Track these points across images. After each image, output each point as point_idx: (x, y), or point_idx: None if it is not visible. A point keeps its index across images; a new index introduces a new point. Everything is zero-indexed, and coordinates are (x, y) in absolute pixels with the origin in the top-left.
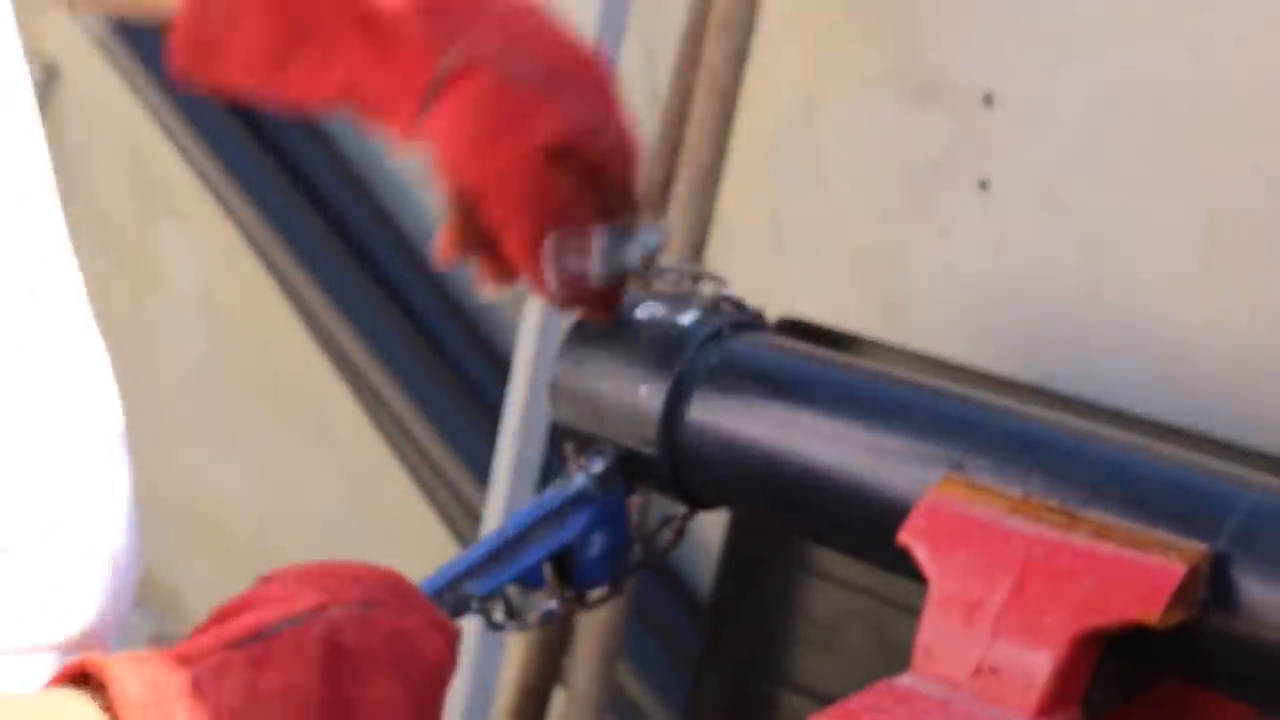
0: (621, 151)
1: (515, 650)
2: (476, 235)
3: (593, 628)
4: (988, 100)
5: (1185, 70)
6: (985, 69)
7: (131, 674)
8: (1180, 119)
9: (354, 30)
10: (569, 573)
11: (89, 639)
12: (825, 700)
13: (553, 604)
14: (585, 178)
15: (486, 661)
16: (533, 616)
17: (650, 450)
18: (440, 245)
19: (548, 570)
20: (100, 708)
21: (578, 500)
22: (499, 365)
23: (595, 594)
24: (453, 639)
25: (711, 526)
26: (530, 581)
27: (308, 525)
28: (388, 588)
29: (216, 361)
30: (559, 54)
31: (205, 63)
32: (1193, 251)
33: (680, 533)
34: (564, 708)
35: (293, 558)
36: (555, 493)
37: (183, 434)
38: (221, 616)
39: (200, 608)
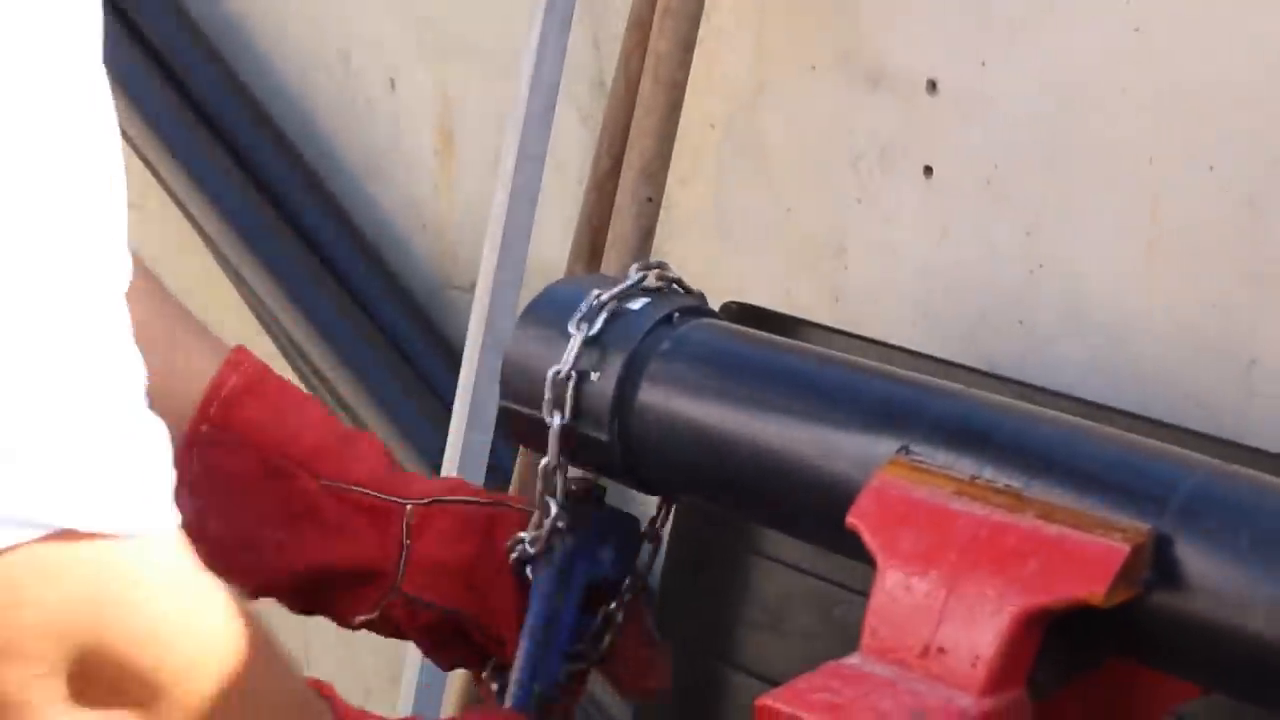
0: None
1: None
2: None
3: None
4: (932, 88)
5: (1127, 58)
6: (929, 57)
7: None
8: (1122, 105)
9: (319, 519)
10: (605, 591)
11: None
12: (774, 681)
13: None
14: None
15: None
16: (611, 642)
17: (601, 435)
18: None
19: (594, 614)
20: None
21: (567, 557)
22: (450, 356)
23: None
24: None
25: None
26: (581, 628)
27: None
28: None
29: None
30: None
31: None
32: (1134, 238)
33: (658, 540)
34: None
35: None
36: (549, 573)
37: None
38: None
39: None
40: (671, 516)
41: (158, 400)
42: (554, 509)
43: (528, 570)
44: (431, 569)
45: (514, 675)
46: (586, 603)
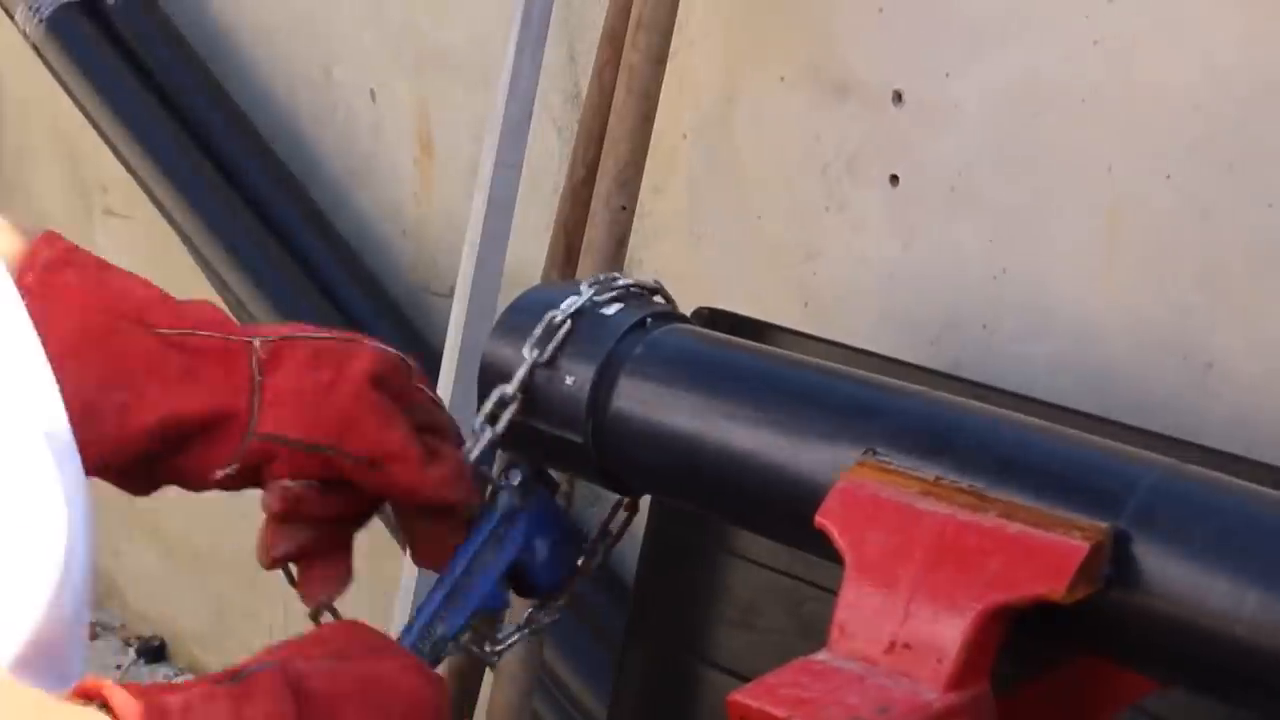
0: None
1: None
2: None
3: (519, 610)
4: (897, 98)
5: (1086, 68)
6: (895, 68)
7: (132, 697)
8: (1082, 115)
9: (162, 371)
10: (528, 584)
11: (43, 650)
12: (746, 677)
13: (523, 622)
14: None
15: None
16: (514, 636)
17: (577, 437)
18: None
19: (507, 591)
20: None
21: (508, 518)
22: (429, 359)
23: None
24: (433, 678)
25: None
26: (494, 606)
27: (246, 515)
28: (355, 641)
29: None
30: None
31: None
32: (1095, 243)
33: (619, 533)
34: (493, 688)
35: (227, 547)
36: (485, 521)
37: None
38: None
39: (137, 597)
40: (648, 515)
41: None
42: (509, 472)
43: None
44: (289, 401)
45: (422, 606)
46: (507, 580)
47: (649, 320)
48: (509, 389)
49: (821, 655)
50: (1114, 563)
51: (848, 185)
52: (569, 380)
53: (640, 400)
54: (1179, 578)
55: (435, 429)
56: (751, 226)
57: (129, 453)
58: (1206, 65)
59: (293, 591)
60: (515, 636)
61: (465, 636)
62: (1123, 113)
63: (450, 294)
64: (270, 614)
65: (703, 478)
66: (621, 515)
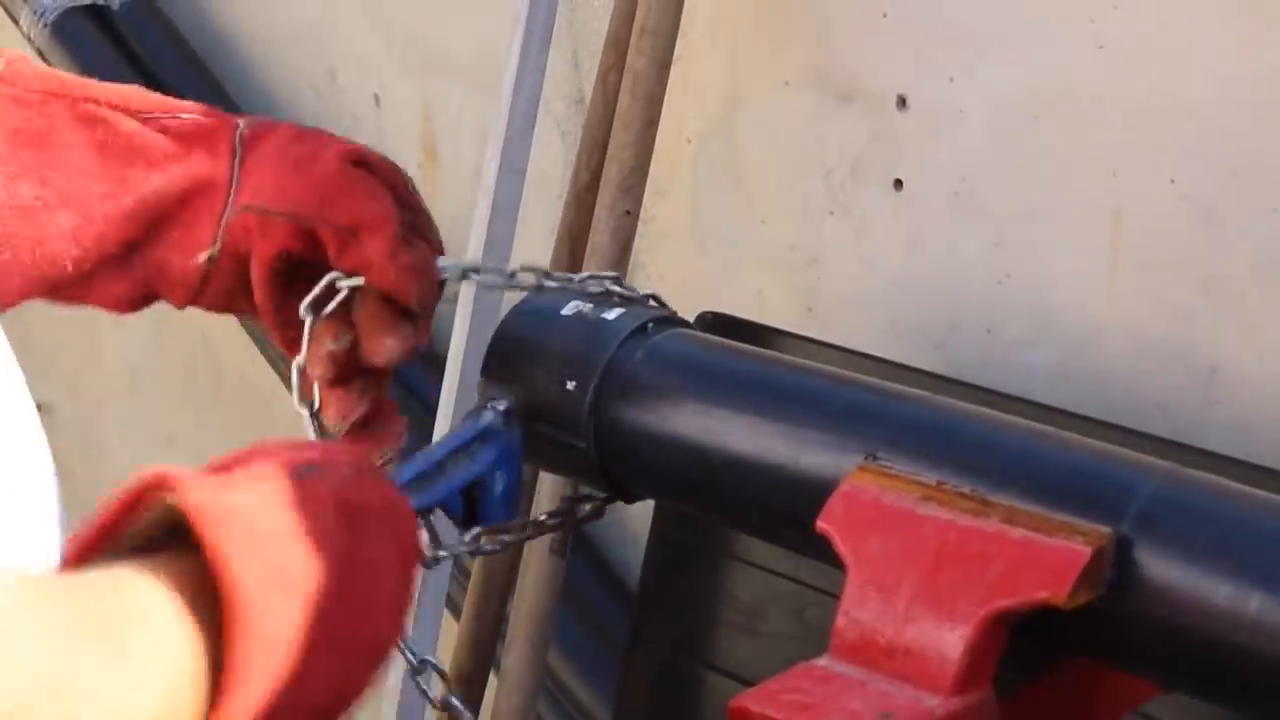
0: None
1: (449, 638)
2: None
3: (524, 615)
4: (901, 103)
5: (1090, 74)
6: (899, 73)
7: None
8: (1085, 121)
9: (129, 154)
10: (476, 513)
11: None
12: (750, 682)
13: (468, 539)
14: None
15: (421, 649)
16: (460, 547)
17: (578, 442)
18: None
19: (461, 503)
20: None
21: (486, 435)
22: (434, 364)
23: (506, 536)
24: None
25: (638, 516)
26: (450, 510)
27: None
28: (367, 463)
29: (156, 360)
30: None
31: None
32: (1098, 248)
33: (600, 510)
34: (498, 693)
35: None
36: (467, 427)
37: (123, 432)
38: (222, 465)
39: None
40: (652, 520)
41: None
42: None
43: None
44: (270, 170)
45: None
46: (462, 495)
47: (650, 325)
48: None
49: (823, 661)
50: (1116, 567)
51: (851, 190)
52: (570, 385)
53: (641, 405)
54: (1181, 582)
55: (416, 225)
56: (755, 231)
57: (111, 242)
58: (1211, 70)
59: None
60: (447, 555)
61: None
62: (1127, 118)
63: (454, 299)
64: None
65: (704, 483)
66: (587, 508)
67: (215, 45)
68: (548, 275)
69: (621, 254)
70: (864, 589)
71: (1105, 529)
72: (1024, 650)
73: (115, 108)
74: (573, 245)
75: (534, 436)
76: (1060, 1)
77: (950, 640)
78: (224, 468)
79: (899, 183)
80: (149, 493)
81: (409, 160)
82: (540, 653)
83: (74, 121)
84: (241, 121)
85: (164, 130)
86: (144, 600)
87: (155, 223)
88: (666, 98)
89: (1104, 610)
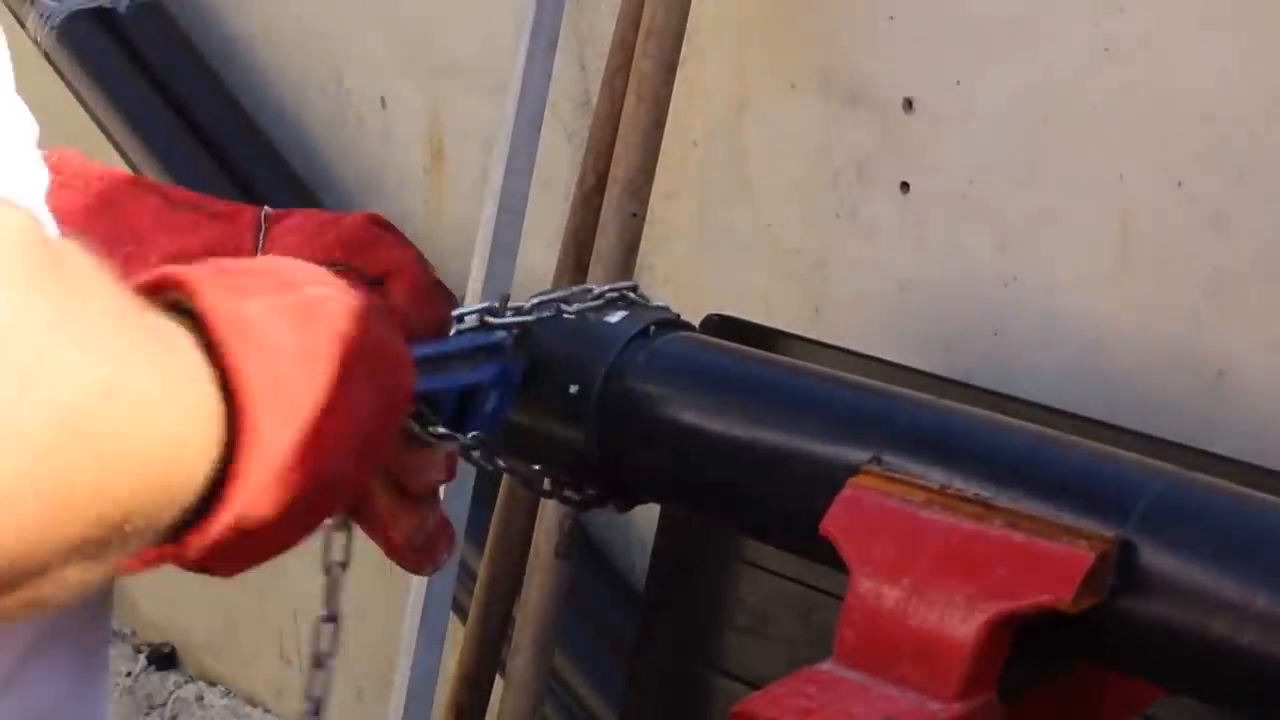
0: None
1: (456, 641)
2: None
3: (530, 619)
4: (908, 106)
5: (1097, 76)
6: (906, 76)
7: (218, 302)
8: (1092, 123)
9: (167, 223)
10: (464, 419)
11: None
12: (756, 685)
13: (468, 437)
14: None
15: (428, 652)
16: (457, 438)
17: (582, 445)
18: None
19: (454, 404)
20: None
21: (493, 350)
22: None
23: (476, 452)
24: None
25: (645, 519)
26: (441, 406)
27: None
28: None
29: None
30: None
31: None
32: (1105, 250)
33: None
34: (504, 696)
35: None
36: (480, 335)
37: None
38: (231, 270)
39: (148, 605)
40: (659, 523)
41: None
42: (532, 315)
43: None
44: (294, 233)
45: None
46: (458, 397)
47: (653, 328)
48: (525, 303)
49: (827, 665)
50: (1120, 572)
51: (858, 192)
52: (573, 388)
53: (645, 408)
54: (1185, 586)
55: (435, 278)
56: (762, 233)
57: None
58: (1217, 73)
59: (301, 598)
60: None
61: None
62: (1134, 120)
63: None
64: (279, 623)
65: (708, 486)
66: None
67: (222, 47)
68: (565, 302)
69: (628, 256)
70: (868, 593)
71: (1109, 533)
72: (1028, 654)
73: (149, 189)
74: (579, 247)
75: (537, 439)
76: (1066, 4)
77: (954, 644)
78: (234, 272)
79: (905, 185)
80: (161, 289)
81: (415, 163)
82: (546, 656)
83: (134, 189)
84: (266, 208)
85: (194, 206)
86: (180, 339)
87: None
88: (673, 100)
89: (1108, 614)
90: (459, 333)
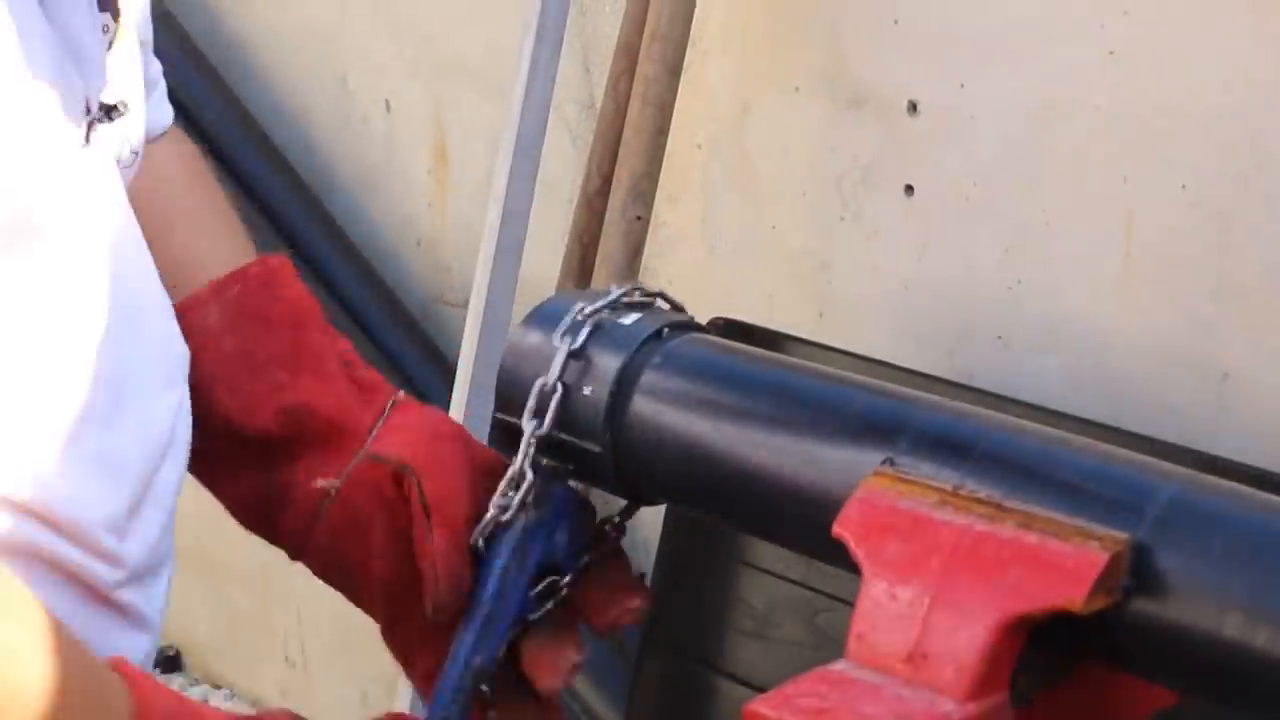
0: None
1: None
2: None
3: None
4: (912, 109)
5: (1102, 79)
6: (910, 79)
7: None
8: (1097, 127)
9: (318, 369)
10: (555, 573)
11: (46, 508)
12: (760, 687)
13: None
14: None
15: None
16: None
17: (594, 446)
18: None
19: (533, 595)
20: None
21: (527, 533)
22: (443, 370)
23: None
24: None
25: (649, 522)
26: (524, 613)
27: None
28: None
29: None
30: None
31: None
32: (1109, 254)
33: (622, 528)
34: None
35: (245, 557)
36: (506, 544)
37: None
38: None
39: None
40: (663, 525)
41: (182, 271)
42: (530, 477)
43: (481, 544)
44: (402, 428)
45: (455, 648)
46: (535, 582)
47: (666, 330)
48: (548, 378)
49: (839, 665)
50: (1133, 574)
51: (862, 195)
52: (587, 390)
53: (658, 410)
54: (1197, 588)
55: None
56: (766, 236)
57: (255, 428)
58: (1222, 76)
59: (305, 602)
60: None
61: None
62: (1138, 124)
63: (465, 304)
64: (284, 625)
65: (720, 488)
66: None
67: (227, 50)
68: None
69: (632, 259)
70: (880, 594)
71: (1122, 535)
72: (1040, 656)
73: (326, 331)
74: (584, 250)
75: (550, 440)
76: (1071, 7)
77: (966, 645)
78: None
79: (910, 188)
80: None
81: (419, 165)
82: None
83: (290, 321)
84: (401, 392)
85: (347, 366)
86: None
87: (296, 435)
88: (677, 103)
89: (1121, 616)
90: (487, 562)
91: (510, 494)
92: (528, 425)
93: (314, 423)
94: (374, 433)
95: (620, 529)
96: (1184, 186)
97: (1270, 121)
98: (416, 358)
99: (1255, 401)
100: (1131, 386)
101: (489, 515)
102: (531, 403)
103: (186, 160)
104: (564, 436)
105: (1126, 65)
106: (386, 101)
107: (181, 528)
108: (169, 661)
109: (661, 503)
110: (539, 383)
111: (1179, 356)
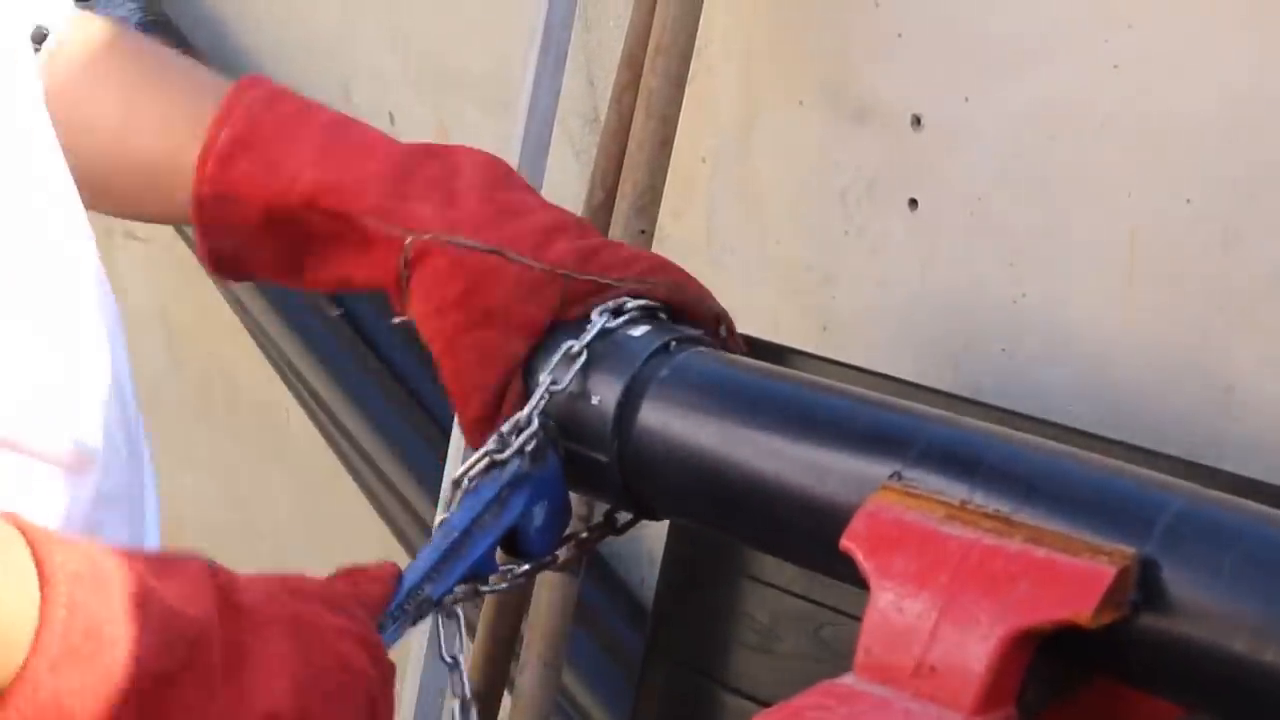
0: None
1: (463, 658)
2: None
3: (538, 635)
4: (916, 122)
5: (1106, 92)
6: (914, 92)
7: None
8: (1101, 139)
9: (339, 242)
10: (517, 548)
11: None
12: (765, 702)
13: (504, 585)
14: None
15: (434, 669)
16: (492, 594)
17: (602, 457)
18: None
19: (499, 555)
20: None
21: (515, 483)
22: None
23: (546, 560)
24: (378, 657)
25: (653, 535)
26: (483, 570)
27: (262, 537)
28: (315, 589)
29: (173, 377)
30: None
31: (231, 269)
32: (1114, 266)
33: (612, 523)
34: (512, 713)
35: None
36: (492, 482)
37: None
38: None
39: None
40: (666, 539)
41: (163, 175)
42: (535, 425)
43: (467, 482)
44: (419, 303)
45: (408, 573)
46: (499, 544)
47: (673, 344)
48: (522, 415)
49: (847, 678)
50: (1141, 588)
51: (866, 209)
52: (594, 400)
53: (666, 422)
54: (1207, 603)
55: None
56: (770, 250)
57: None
58: (1226, 89)
59: None
60: (491, 589)
61: (449, 598)
62: (1142, 137)
63: None
64: None
65: (728, 501)
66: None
67: (230, 62)
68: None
69: None
70: (888, 607)
71: (1130, 549)
72: (1048, 670)
73: (304, 205)
74: None
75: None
76: (1075, 21)
77: (974, 659)
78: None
79: (914, 202)
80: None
81: None
82: (554, 672)
83: (267, 220)
84: (409, 239)
85: (350, 227)
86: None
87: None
88: (681, 117)
89: (1128, 631)
90: (469, 494)
91: (512, 437)
92: (545, 379)
93: (360, 287)
94: (406, 294)
95: (589, 542)
96: (1189, 200)
97: (1275, 135)
98: (419, 368)
99: (1260, 414)
100: (1136, 399)
101: (481, 451)
102: (556, 358)
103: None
104: (571, 445)
105: (1130, 78)
106: (390, 114)
107: (190, 531)
108: None
109: (667, 516)
110: (567, 344)
111: (1184, 369)
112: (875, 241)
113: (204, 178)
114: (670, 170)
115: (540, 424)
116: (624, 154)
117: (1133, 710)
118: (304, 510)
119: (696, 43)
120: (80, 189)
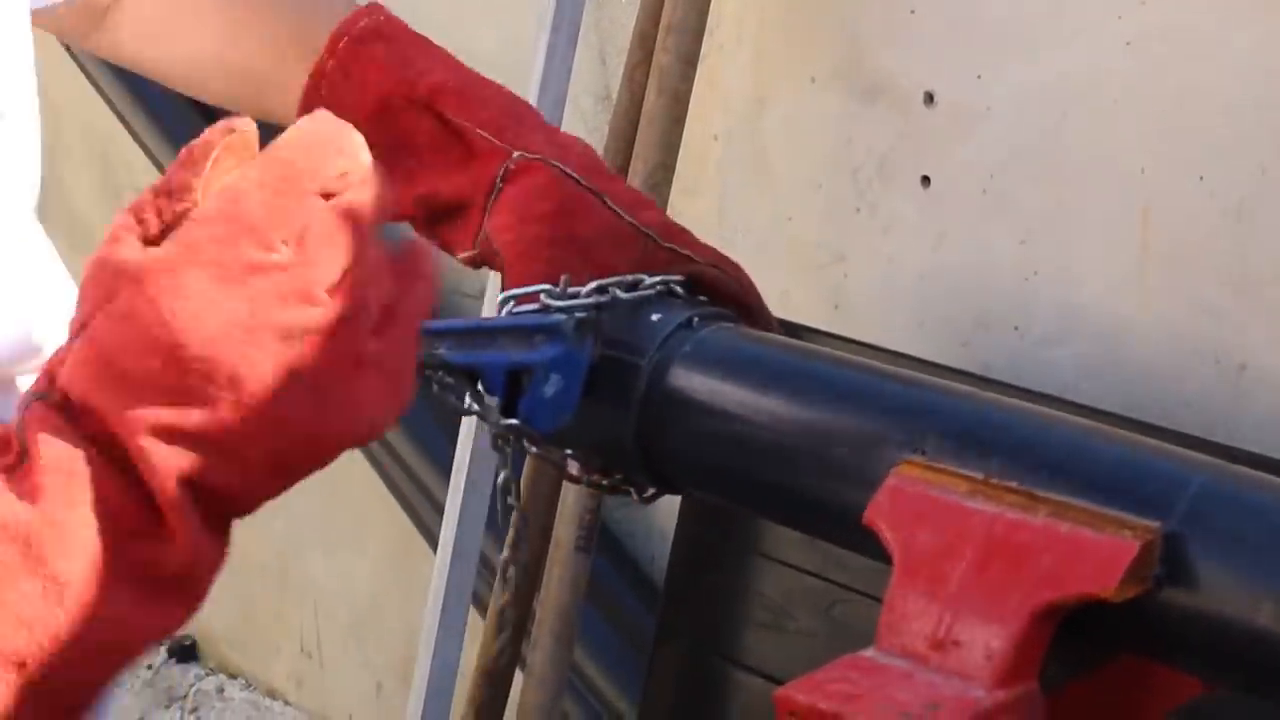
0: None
1: (475, 634)
2: None
3: (550, 612)
4: (929, 100)
5: (1118, 71)
6: (926, 70)
7: None
8: (1114, 118)
9: (440, 152)
10: (519, 406)
11: None
12: (776, 679)
13: (501, 425)
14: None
15: (448, 646)
16: (486, 418)
17: (622, 432)
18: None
19: (503, 383)
20: None
21: (551, 331)
22: None
23: (532, 435)
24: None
25: (665, 512)
26: (488, 385)
27: (276, 516)
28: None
29: None
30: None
31: None
32: (1126, 245)
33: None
34: (523, 689)
35: (261, 547)
36: (534, 314)
37: None
38: None
39: None
40: (679, 516)
41: (291, 46)
42: (594, 296)
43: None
44: (504, 213)
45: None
46: (506, 375)
47: (695, 319)
48: (585, 287)
49: (870, 652)
50: (1165, 562)
51: (879, 187)
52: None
53: (688, 398)
54: (1231, 578)
55: None
56: (782, 228)
57: (401, 215)
58: (1239, 67)
59: (321, 593)
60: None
61: (451, 375)
62: (1155, 114)
63: (480, 295)
64: (299, 616)
65: (750, 476)
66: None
67: None
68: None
69: None
70: (911, 582)
71: (1154, 524)
72: (1071, 644)
73: (422, 104)
74: None
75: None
76: None
77: (997, 633)
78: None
79: (926, 180)
80: None
81: None
82: (566, 649)
83: (382, 111)
84: (515, 154)
85: (459, 137)
86: None
87: (432, 214)
88: (693, 95)
89: (1152, 606)
90: (514, 313)
91: (553, 304)
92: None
93: (440, 203)
94: (489, 209)
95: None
96: (1201, 177)
97: None
98: None
99: (1273, 392)
100: (1148, 377)
101: (539, 286)
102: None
103: None
104: (591, 419)
105: (1143, 56)
106: None
107: None
108: (185, 651)
109: (687, 490)
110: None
111: (1196, 347)
112: (887, 219)
113: (333, 52)
114: (682, 148)
115: (595, 302)
116: (636, 132)
117: (1156, 685)
118: (318, 489)
119: (708, 20)
120: (174, 84)
